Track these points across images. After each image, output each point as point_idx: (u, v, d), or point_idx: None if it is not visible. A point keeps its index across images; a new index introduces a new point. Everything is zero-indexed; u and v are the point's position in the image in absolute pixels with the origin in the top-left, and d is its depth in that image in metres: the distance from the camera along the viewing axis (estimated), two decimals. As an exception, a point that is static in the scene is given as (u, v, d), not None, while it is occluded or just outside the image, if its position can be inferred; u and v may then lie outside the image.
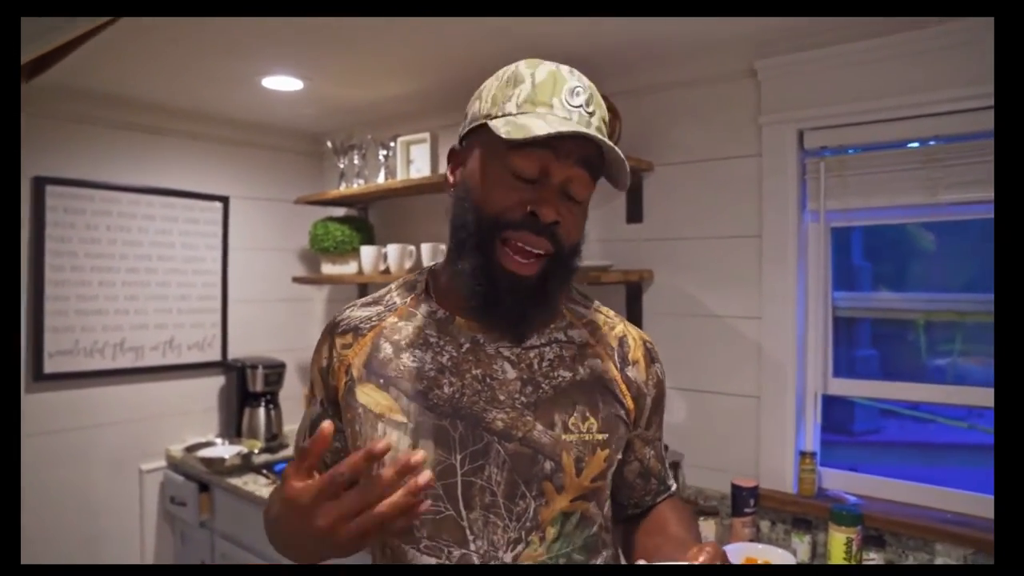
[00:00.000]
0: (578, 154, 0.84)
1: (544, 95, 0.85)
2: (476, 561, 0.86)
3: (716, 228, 2.06)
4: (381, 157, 2.69)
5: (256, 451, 2.64)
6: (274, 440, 2.82)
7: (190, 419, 2.86)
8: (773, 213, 1.93)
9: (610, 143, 0.83)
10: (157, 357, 2.73)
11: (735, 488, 1.87)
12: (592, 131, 0.83)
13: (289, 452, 2.75)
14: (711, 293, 2.07)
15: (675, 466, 1.99)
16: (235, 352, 2.97)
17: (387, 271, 2.69)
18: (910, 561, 1.72)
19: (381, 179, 2.70)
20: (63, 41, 1.74)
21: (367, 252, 2.71)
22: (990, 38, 1.57)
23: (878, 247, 2.07)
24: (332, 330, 1.00)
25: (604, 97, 2.04)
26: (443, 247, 2.54)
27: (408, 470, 0.72)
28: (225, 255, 2.94)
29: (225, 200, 2.93)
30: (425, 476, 0.73)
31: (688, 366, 2.11)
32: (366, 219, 3.02)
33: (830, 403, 1.96)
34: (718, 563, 0.77)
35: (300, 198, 2.90)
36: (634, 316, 2.18)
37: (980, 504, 1.70)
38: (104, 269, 2.58)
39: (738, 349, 2.01)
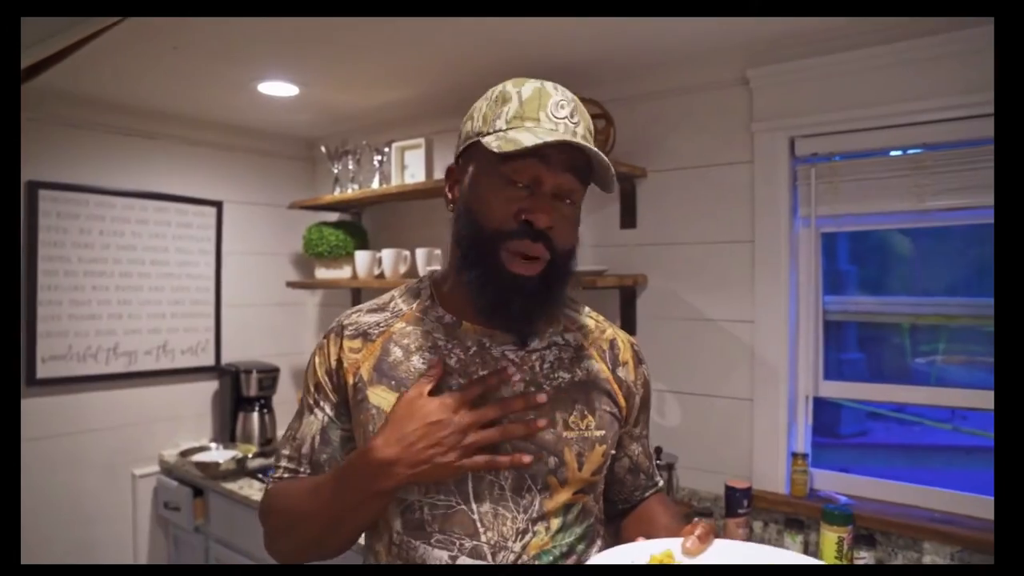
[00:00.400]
0: (566, 162, 0.89)
1: (531, 110, 0.90)
2: (487, 551, 0.89)
3: (709, 233, 2.09)
4: (376, 163, 2.71)
5: (250, 455, 2.64)
6: (268, 445, 2.82)
7: (183, 424, 2.86)
8: (765, 219, 1.97)
9: (595, 149, 0.89)
10: (150, 362, 2.73)
11: (729, 489, 1.89)
12: (578, 139, 0.89)
13: (283, 456, 2.74)
14: (704, 297, 2.10)
15: (669, 468, 2.02)
16: (228, 357, 2.97)
17: (381, 275, 2.70)
18: (899, 559, 1.75)
19: (376, 184, 2.72)
20: (68, 44, 1.75)
21: (361, 257, 2.72)
22: (978, 48, 1.62)
23: (863, 252, 2.11)
24: (340, 333, 1.02)
25: (598, 104, 2.08)
26: (437, 252, 2.56)
27: (535, 404, 0.91)
28: (219, 259, 2.94)
29: (219, 205, 2.93)
30: (543, 422, 0.91)
31: (682, 369, 2.14)
32: (360, 224, 3.04)
33: (817, 406, 2.00)
34: (712, 539, 0.87)
35: (294, 203, 2.91)
36: (628, 320, 2.21)
37: (966, 503, 1.74)
38: (97, 274, 2.58)
39: (731, 352, 2.04)
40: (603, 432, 0.98)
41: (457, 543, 0.90)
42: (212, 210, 2.91)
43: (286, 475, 1.03)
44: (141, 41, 1.93)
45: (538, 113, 0.90)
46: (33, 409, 2.42)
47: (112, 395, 2.64)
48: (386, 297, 1.07)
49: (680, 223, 2.14)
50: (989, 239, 1.85)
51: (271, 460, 2.65)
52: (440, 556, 0.90)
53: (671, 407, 2.15)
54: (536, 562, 0.91)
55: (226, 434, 2.86)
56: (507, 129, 0.89)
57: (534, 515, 0.92)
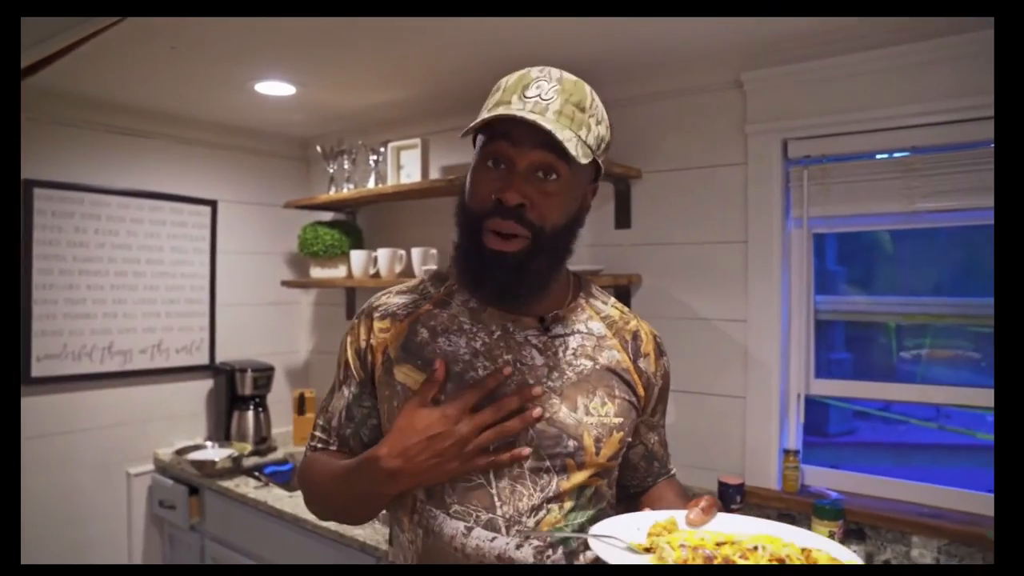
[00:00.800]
0: (535, 139, 0.91)
1: (507, 95, 0.93)
2: (501, 524, 0.93)
3: (703, 234, 2.12)
4: (371, 162, 2.72)
5: (246, 454, 2.65)
6: (263, 443, 2.83)
7: (178, 423, 2.86)
8: (758, 220, 2.00)
9: (546, 124, 0.87)
10: (145, 360, 2.73)
11: (722, 485, 1.93)
12: (545, 116, 0.89)
13: (279, 455, 2.76)
14: (698, 297, 2.14)
15: (664, 464, 2.05)
16: (223, 356, 2.97)
17: (377, 275, 2.71)
18: (888, 553, 1.79)
19: (372, 184, 2.73)
20: (66, 44, 1.75)
21: (357, 256, 2.74)
22: (966, 54, 1.66)
23: (851, 252, 2.16)
24: (370, 314, 1.08)
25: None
26: (434, 251, 2.59)
27: (530, 398, 0.94)
28: (213, 259, 2.94)
29: (213, 204, 2.93)
30: (538, 411, 0.94)
31: (676, 368, 2.12)
32: (355, 223, 3.05)
33: (805, 406, 2.03)
34: (715, 511, 0.93)
35: (290, 202, 2.92)
36: (623, 319, 2.24)
37: (952, 497, 1.79)
38: (92, 272, 2.57)
39: (725, 351, 2.08)
40: (621, 419, 1.01)
41: (474, 515, 0.94)
42: (207, 209, 2.91)
43: (319, 445, 1.12)
44: (138, 41, 1.94)
45: (511, 96, 0.92)
46: (27, 408, 2.42)
47: (107, 394, 2.64)
48: (415, 281, 1.12)
49: (674, 223, 2.17)
50: (975, 240, 1.89)
51: (266, 458, 2.68)
52: (456, 526, 0.94)
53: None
54: (548, 538, 0.95)
55: (221, 433, 2.86)
56: (481, 116, 0.94)
57: (550, 494, 0.95)
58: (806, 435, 2.05)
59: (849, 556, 0.82)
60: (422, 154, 2.63)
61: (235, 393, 2.85)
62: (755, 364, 2.01)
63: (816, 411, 2.08)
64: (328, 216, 3.10)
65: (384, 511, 1.10)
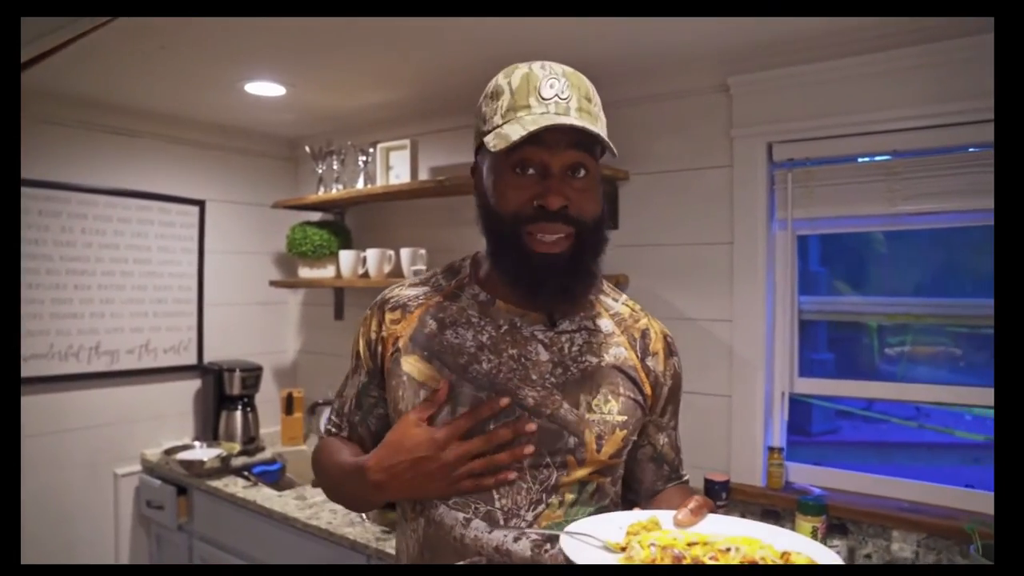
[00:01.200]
0: (567, 139, 0.92)
1: (521, 98, 0.93)
2: (500, 517, 0.95)
3: (689, 235, 2.16)
4: (360, 163, 2.73)
5: (235, 453, 2.65)
6: (251, 443, 2.83)
7: (165, 423, 2.85)
8: (743, 221, 2.04)
9: (579, 123, 0.90)
10: (133, 361, 2.72)
11: (708, 482, 1.96)
12: (570, 116, 0.92)
13: (267, 455, 2.76)
14: (684, 297, 2.17)
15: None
16: (211, 356, 2.97)
17: (366, 275, 2.73)
18: (869, 547, 1.84)
19: (360, 184, 2.74)
20: (55, 44, 1.75)
21: (346, 256, 2.75)
22: (946, 61, 1.71)
23: (834, 253, 2.20)
24: (382, 306, 1.10)
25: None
26: (423, 251, 2.60)
27: (522, 432, 0.94)
28: (201, 258, 2.94)
29: (201, 204, 2.93)
30: (529, 449, 0.93)
31: (662, 367, 2.19)
32: (343, 224, 3.06)
33: (789, 405, 2.07)
34: (705, 512, 0.92)
35: (279, 202, 2.92)
36: (611, 319, 2.26)
37: (931, 492, 1.84)
38: (79, 272, 2.56)
39: (710, 351, 2.11)
40: (625, 418, 1.01)
41: (473, 506, 0.95)
42: (195, 209, 2.91)
43: (332, 429, 1.16)
44: (127, 40, 1.93)
45: (528, 99, 0.93)
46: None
47: (94, 394, 2.63)
48: (428, 274, 1.14)
49: (661, 225, 2.20)
50: (954, 242, 1.94)
51: (255, 458, 2.68)
52: (456, 516, 0.96)
53: (652, 403, 2.21)
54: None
55: (209, 433, 2.86)
56: (502, 124, 0.93)
57: (549, 488, 0.96)
58: (790, 434, 2.09)
59: (829, 559, 0.80)
60: (411, 155, 2.64)
61: (223, 393, 2.85)
62: (740, 363, 2.05)
63: (799, 411, 2.12)
64: (316, 216, 3.11)
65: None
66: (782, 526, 1.86)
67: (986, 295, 1.82)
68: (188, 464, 2.51)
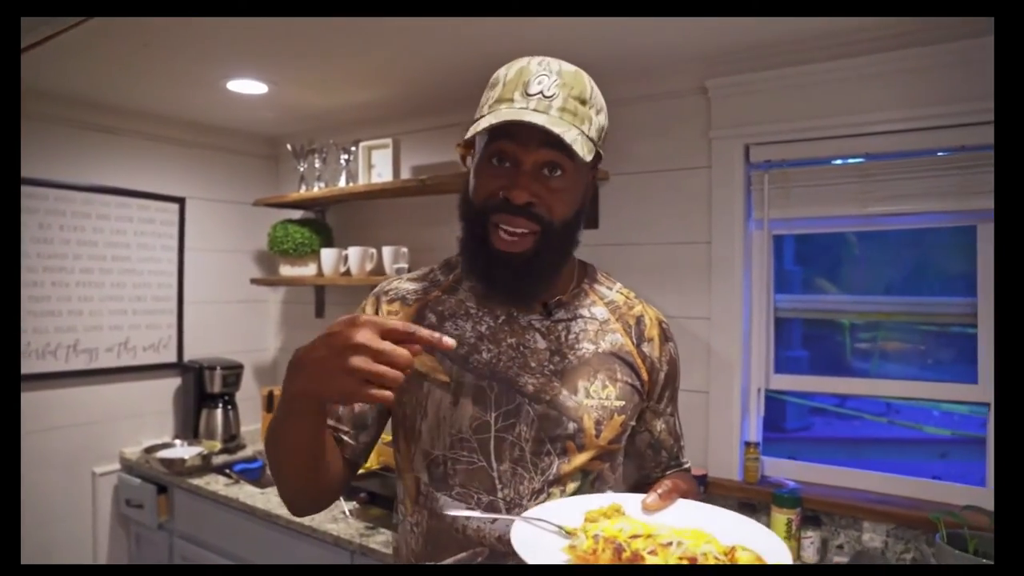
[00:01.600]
0: (540, 138, 0.91)
1: (509, 91, 0.93)
2: (502, 507, 0.96)
3: (668, 235, 2.20)
4: (342, 161, 2.73)
5: (216, 451, 2.64)
6: (232, 441, 2.82)
7: (145, 421, 2.84)
8: (721, 221, 2.09)
9: (550, 123, 0.88)
10: (112, 359, 2.70)
11: (687, 476, 2.00)
12: (548, 115, 0.90)
13: (249, 452, 2.76)
14: (663, 295, 2.21)
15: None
16: (191, 354, 2.95)
17: (347, 273, 2.74)
18: (842, 538, 1.89)
19: (342, 183, 2.75)
20: (34, 41, 1.73)
21: (328, 254, 2.75)
22: (918, 67, 1.77)
23: (808, 253, 2.25)
24: (380, 297, 1.10)
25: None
26: (404, 250, 2.62)
27: (438, 344, 0.78)
28: (181, 256, 2.92)
29: (181, 201, 2.91)
30: (449, 341, 0.79)
31: (642, 364, 2.23)
32: (324, 222, 3.06)
33: (765, 402, 2.12)
34: (674, 497, 0.92)
35: (259, 200, 2.91)
36: (591, 317, 2.30)
37: (899, 484, 1.90)
38: (57, 269, 2.54)
39: (689, 348, 2.15)
40: (623, 403, 1.02)
41: (475, 497, 0.96)
42: (174, 206, 2.89)
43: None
44: (110, 38, 1.93)
45: (514, 93, 0.92)
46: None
47: (72, 393, 2.60)
48: (426, 269, 1.14)
49: (641, 224, 2.24)
50: (924, 242, 2.01)
51: (236, 456, 2.68)
52: (458, 507, 0.96)
53: (632, 400, 2.25)
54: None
55: (189, 431, 2.85)
56: (487, 114, 0.93)
57: (550, 477, 0.97)
58: (764, 431, 2.14)
59: (778, 556, 0.78)
60: (393, 154, 2.65)
61: (204, 391, 2.84)
62: (718, 360, 2.10)
63: (774, 407, 2.17)
64: (297, 214, 3.11)
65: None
66: (758, 518, 1.93)
67: (954, 294, 1.88)
68: (169, 462, 2.51)
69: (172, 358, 2.89)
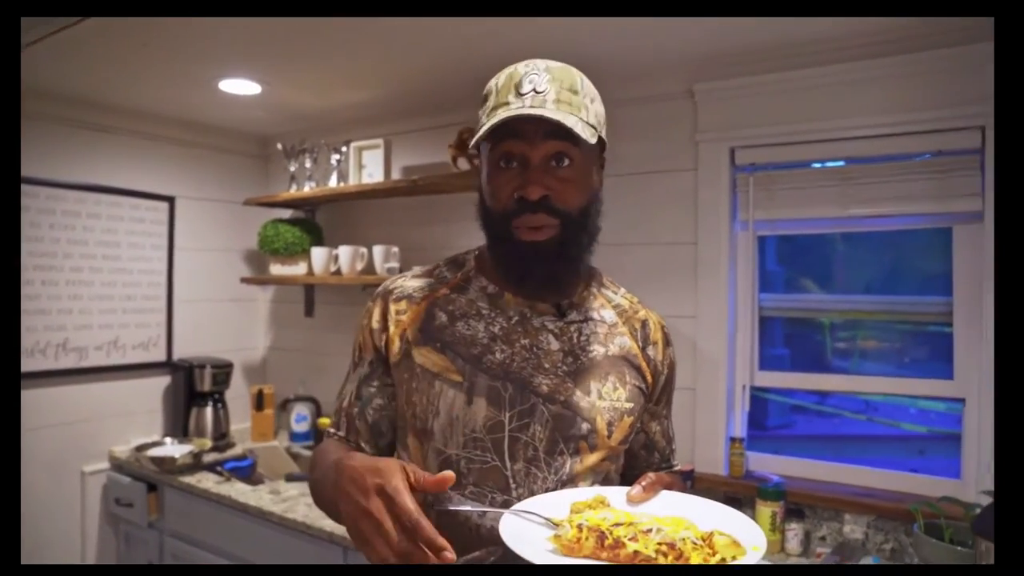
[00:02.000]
0: (542, 130, 0.93)
1: (502, 97, 0.95)
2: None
3: (655, 235, 2.25)
4: (334, 161, 2.76)
5: (206, 450, 2.65)
6: (223, 439, 2.83)
7: (134, 420, 2.84)
8: (707, 222, 2.14)
9: (551, 114, 0.90)
10: (101, 357, 2.70)
11: (674, 471, 2.05)
12: (545, 108, 0.92)
13: (239, 451, 2.77)
14: (650, 295, 2.22)
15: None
16: (180, 352, 2.96)
17: (338, 272, 2.76)
18: (824, 529, 1.95)
19: (333, 183, 2.77)
20: (31, 41, 1.74)
21: (318, 253, 2.77)
22: (897, 74, 1.83)
23: (790, 254, 2.31)
24: (386, 297, 1.09)
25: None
26: (395, 249, 2.65)
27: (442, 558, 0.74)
28: (171, 255, 2.93)
29: (171, 200, 2.92)
30: (450, 555, 0.74)
31: (630, 361, 2.28)
32: (314, 221, 3.07)
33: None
34: (659, 489, 0.94)
35: (250, 199, 2.93)
36: (580, 315, 2.34)
37: (879, 478, 1.97)
38: (47, 268, 2.54)
39: (676, 346, 2.17)
40: (632, 404, 1.05)
41: (489, 496, 0.97)
42: (164, 205, 2.89)
43: (332, 429, 1.11)
44: (105, 36, 1.94)
45: (507, 97, 0.94)
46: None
47: (61, 391, 2.60)
48: (430, 266, 1.14)
49: (628, 225, 2.29)
50: (902, 244, 2.07)
51: (226, 454, 2.69)
52: (472, 505, 0.96)
53: (620, 397, 2.29)
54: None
55: (179, 429, 2.85)
56: (486, 123, 0.95)
57: (563, 477, 0.99)
58: (747, 429, 2.19)
59: (753, 540, 0.82)
60: (384, 155, 2.68)
61: (194, 389, 2.85)
62: (704, 357, 2.15)
63: (756, 406, 2.22)
64: (287, 214, 3.12)
65: None
66: (742, 512, 1.98)
67: (931, 293, 1.95)
68: (159, 460, 2.51)
69: (162, 357, 2.90)
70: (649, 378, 1.09)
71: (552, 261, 0.99)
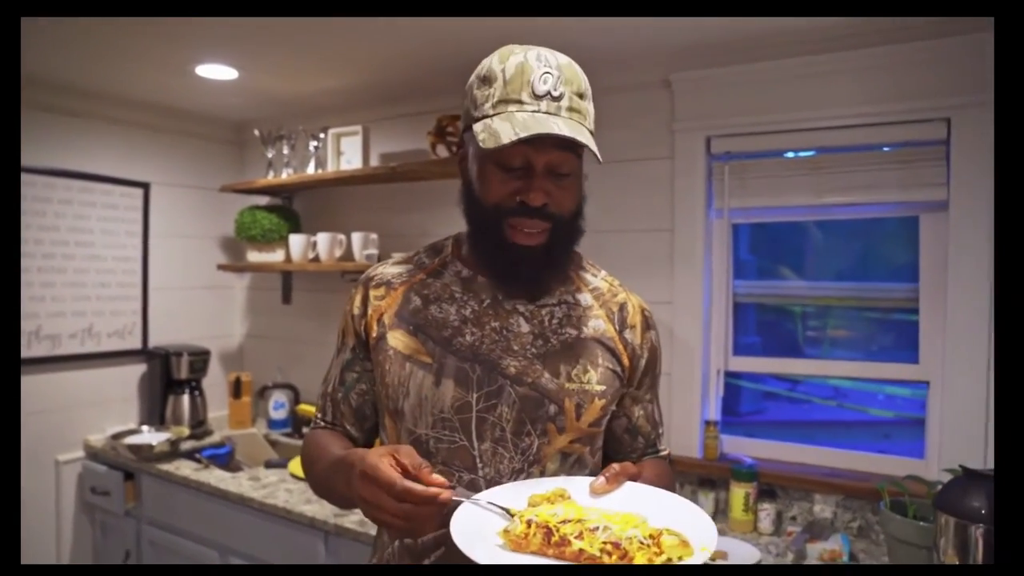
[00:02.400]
0: (553, 141, 0.93)
1: (514, 90, 0.94)
2: (483, 485, 0.98)
3: (632, 222, 2.28)
4: (311, 148, 2.74)
5: (184, 437, 2.64)
6: (200, 426, 2.82)
7: (109, 408, 2.81)
8: (683, 210, 2.17)
9: (569, 129, 0.91)
10: (75, 345, 2.67)
11: (650, 454, 2.09)
12: (560, 116, 0.93)
13: (216, 438, 2.76)
14: (627, 280, 2.22)
15: (597, 437, 2.20)
16: (156, 340, 2.94)
17: (316, 259, 2.75)
18: (795, 509, 2.01)
19: (311, 169, 2.76)
20: None
21: (296, 240, 2.77)
22: (867, 66, 1.87)
23: (762, 242, 2.36)
24: (367, 283, 1.13)
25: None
26: (374, 236, 2.65)
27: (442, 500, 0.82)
28: (146, 242, 2.90)
29: (146, 186, 2.88)
30: (447, 494, 0.83)
31: (607, 347, 2.31)
32: (292, 208, 3.06)
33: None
34: (622, 481, 0.94)
35: (226, 185, 2.91)
36: (559, 302, 2.37)
37: (847, 459, 2.03)
38: (18, 254, 2.50)
39: (652, 331, 2.24)
40: (604, 387, 1.05)
41: (456, 475, 0.99)
42: (139, 191, 2.86)
43: (317, 415, 1.17)
44: (77, 20, 1.90)
45: (520, 94, 0.93)
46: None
47: (34, 380, 2.57)
48: (411, 253, 1.18)
49: (605, 213, 2.31)
50: (872, 232, 2.13)
51: (203, 442, 2.69)
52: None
53: (597, 382, 2.33)
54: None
55: (155, 417, 2.83)
56: (493, 115, 0.94)
57: (531, 458, 1.01)
58: (721, 415, 2.24)
59: (704, 540, 0.81)
60: (363, 141, 2.68)
61: (170, 377, 2.83)
62: (680, 343, 2.19)
63: (729, 392, 2.28)
64: (264, 200, 3.10)
65: None
66: (717, 493, 2.04)
67: (898, 280, 2.01)
68: (136, 448, 2.50)
69: (137, 344, 2.87)
70: (626, 361, 1.09)
71: (540, 265, 1.01)
